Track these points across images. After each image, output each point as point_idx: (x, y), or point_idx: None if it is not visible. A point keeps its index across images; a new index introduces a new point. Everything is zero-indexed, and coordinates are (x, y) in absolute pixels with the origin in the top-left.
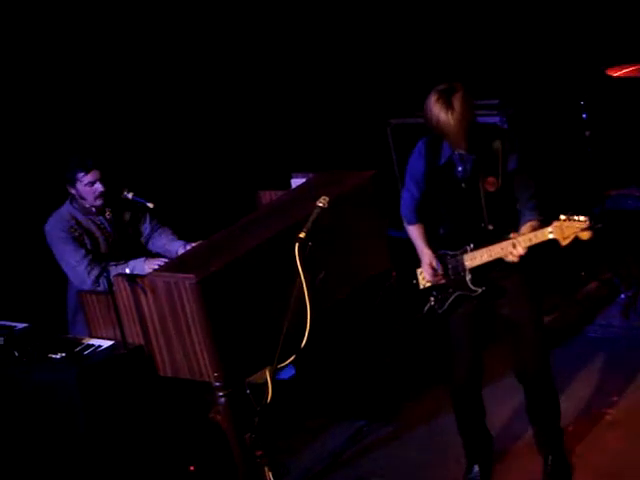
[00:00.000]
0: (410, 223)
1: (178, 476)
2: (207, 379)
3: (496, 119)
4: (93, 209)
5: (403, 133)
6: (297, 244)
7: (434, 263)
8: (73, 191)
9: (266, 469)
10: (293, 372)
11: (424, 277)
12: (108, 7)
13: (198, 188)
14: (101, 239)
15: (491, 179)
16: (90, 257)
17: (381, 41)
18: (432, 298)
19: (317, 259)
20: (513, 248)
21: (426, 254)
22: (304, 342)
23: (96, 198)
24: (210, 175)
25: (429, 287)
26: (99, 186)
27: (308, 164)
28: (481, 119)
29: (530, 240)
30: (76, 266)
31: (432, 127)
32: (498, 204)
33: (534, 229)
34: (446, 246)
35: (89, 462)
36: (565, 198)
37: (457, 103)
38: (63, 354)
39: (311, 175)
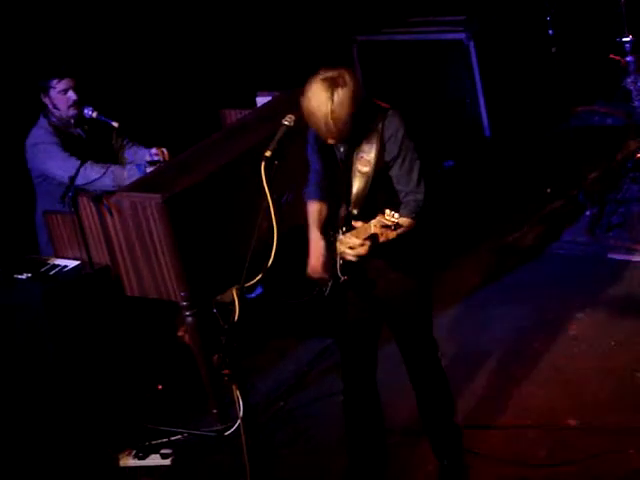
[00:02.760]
0: (310, 197)
1: (146, 395)
2: (174, 299)
3: (462, 35)
4: (71, 121)
5: (369, 50)
6: (263, 163)
7: (319, 257)
8: (47, 100)
9: (233, 387)
10: (260, 291)
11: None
12: None
13: (162, 107)
14: (77, 149)
15: (364, 165)
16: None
17: None
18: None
19: (283, 178)
20: (348, 245)
21: (312, 236)
22: (271, 261)
23: (69, 107)
24: (174, 94)
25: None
26: (72, 94)
27: (273, 82)
28: (447, 35)
29: (357, 236)
30: (67, 160)
31: (303, 114)
32: (369, 191)
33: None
34: (331, 227)
35: (57, 382)
36: (531, 115)
37: (337, 100)
38: (29, 274)
39: (276, 93)
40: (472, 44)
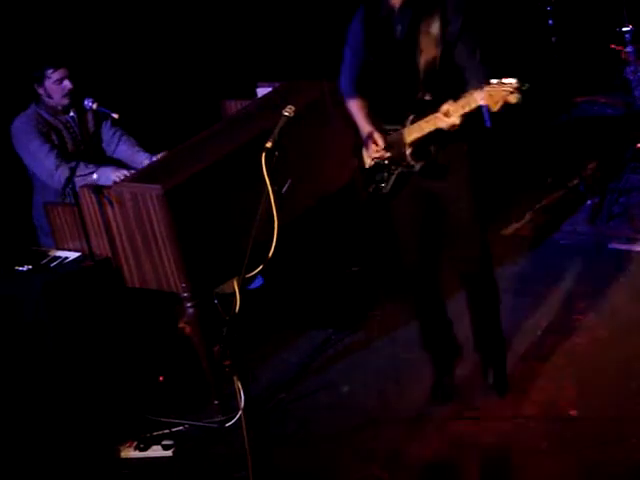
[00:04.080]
0: (349, 96)
1: (148, 387)
2: (175, 290)
3: None
4: (60, 107)
5: None
6: (263, 154)
7: (377, 138)
8: (41, 90)
9: (235, 379)
10: (261, 282)
11: (368, 155)
12: None
13: (163, 98)
14: (68, 137)
15: (429, 41)
16: (57, 151)
17: None
18: (377, 176)
19: (284, 169)
20: (446, 117)
21: (367, 130)
22: (271, 252)
23: (64, 96)
24: (174, 85)
25: (373, 166)
26: (67, 83)
27: (274, 73)
28: None
29: (462, 108)
30: (44, 159)
31: None
32: (437, 71)
33: (464, 99)
34: (386, 120)
35: (57, 375)
36: (532, 105)
37: None
38: (29, 266)
39: (277, 84)
40: None
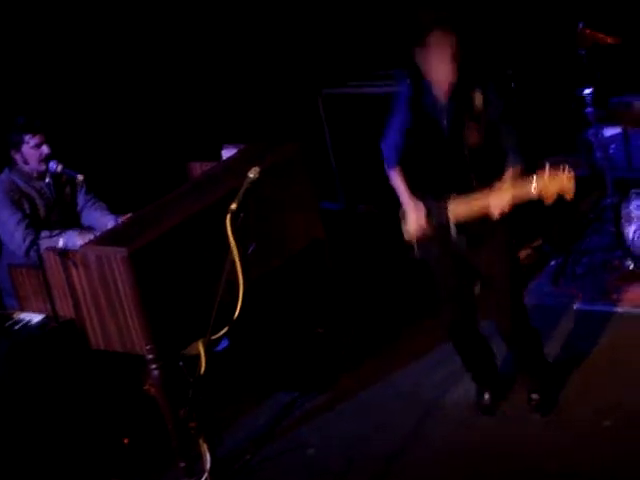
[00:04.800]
0: (394, 166)
1: (113, 449)
2: (140, 352)
3: None
4: (34, 174)
5: (334, 103)
6: (228, 215)
7: (419, 211)
8: (17, 156)
9: (200, 441)
10: (227, 344)
11: (409, 228)
12: None
13: (128, 160)
14: (40, 204)
15: (474, 127)
16: (27, 221)
17: (312, 9)
18: (415, 244)
19: (249, 230)
20: (495, 206)
21: (411, 202)
22: (237, 313)
23: (41, 161)
24: (140, 147)
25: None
26: (45, 148)
27: (239, 135)
28: None
29: (513, 199)
30: (14, 230)
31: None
32: (481, 154)
33: (517, 181)
34: (427, 194)
35: (22, 438)
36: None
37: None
38: None
39: (242, 146)
40: None
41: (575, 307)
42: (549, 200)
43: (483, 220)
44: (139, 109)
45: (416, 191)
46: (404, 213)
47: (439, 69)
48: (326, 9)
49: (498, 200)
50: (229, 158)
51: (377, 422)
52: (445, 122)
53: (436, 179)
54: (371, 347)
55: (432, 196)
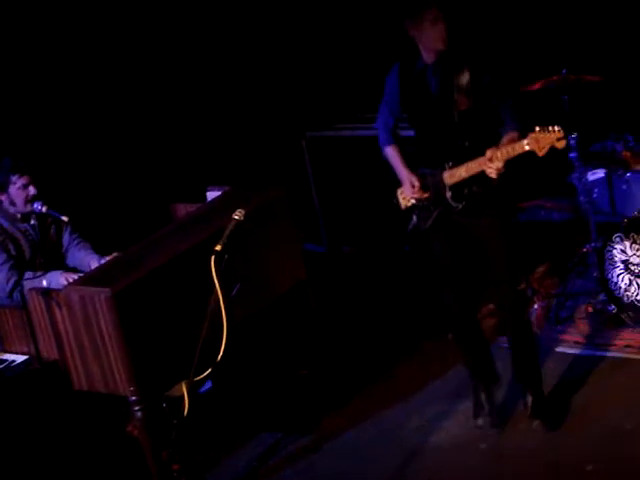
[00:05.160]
0: (386, 144)
1: None
2: (123, 393)
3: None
4: (19, 215)
5: (318, 146)
6: (213, 257)
7: (414, 180)
8: (3, 197)
9: None
10: (210, 385)
11: (405, 197)
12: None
13: (112, 201)
14: (25, 246)
15: (462, 92)
16: (12, 263)
17: (296, 53)
18: (414, 216)
19: (233, 271)
20: (490, 162)
21: (405, 172)
22: (220, 355)
23: (27, 202)
24: (124, 188)
25: (410, 207)
26: (32, 189)
27: (223, 177)
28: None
29: (508, 153)
30: None
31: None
32: (473, 120)
33: (513, 141)
34: (423, 164)
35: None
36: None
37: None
38: None
39: (226, 188)
40: None
41: (558, 350)
42: (541, 153)
43: (479, 185)
44: (125, 150)
45: (410, 163)
46: (401, 188)
47: (431, 38)
48: (311, 52)
49: (493, 160)
50: (214, 200)
51: (361, 464)
52: (433, 84)
53: (430, 147)
54: (355, 387)
55: (427, 165)
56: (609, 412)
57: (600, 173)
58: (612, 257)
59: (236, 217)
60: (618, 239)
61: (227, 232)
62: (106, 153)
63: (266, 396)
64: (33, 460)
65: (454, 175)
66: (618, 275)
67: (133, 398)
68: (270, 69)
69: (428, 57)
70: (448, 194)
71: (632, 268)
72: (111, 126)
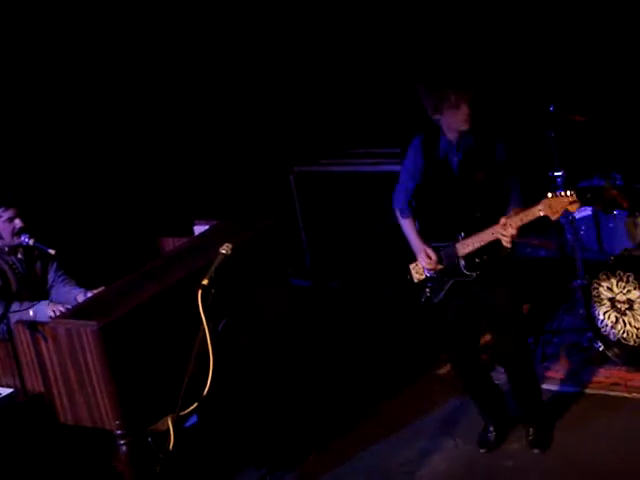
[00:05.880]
0: (404, 217)
1: None
2: (109, 427)
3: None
4: (6, 248)
5: (306, 181)
6: (200, 291)
7: (430, 252)
8: None
9: None
10: (195, 420)
11: (418, 270)
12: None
13: (100, 234)
14: (12, 278)
15: (482, 168)
16: None
17: (285, 89)
18: (427, 289)
19: (220, 306)
20: (504, 229)
21: (421, 246)
22: (206, 389)
23: (14, 235)
24: (112, 221)
25: (423, 280)
26: (18, 222)
27: (211, 211)
28: (383, 167)
29: (521, 220)
30: None
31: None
32: (486, 193)
33: (521, 212)
34: (436, 238)
35: None
36: None
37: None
38: None
39: (214, 222)
40: None
41: (544, 387)
42: (556, 216)
43: (489, 254)
44: (112, 184)
45: (425, 235)
46: (414, 262)
47: (456, 121)
48: (298, 87)
49: (507, 227)
50: (201, 234)
51: None
52: (455, 160)
53: (444, 219)
54: (341, 424)
55: (437, 239)
56: (596, 450)
57: (587, 211)
58: (599, 294)
59: (223, 251)
60: (604, 277)
61: (214, 266)
62: (94, 187)
63: (252, 431)
64: None
65: (467, 245)
66: (605, 312)
67: (118, 432)
68: (259, 103)
69: (451, 135)
70: (462, 264)
71: (618, 306)
72: (99, 160)
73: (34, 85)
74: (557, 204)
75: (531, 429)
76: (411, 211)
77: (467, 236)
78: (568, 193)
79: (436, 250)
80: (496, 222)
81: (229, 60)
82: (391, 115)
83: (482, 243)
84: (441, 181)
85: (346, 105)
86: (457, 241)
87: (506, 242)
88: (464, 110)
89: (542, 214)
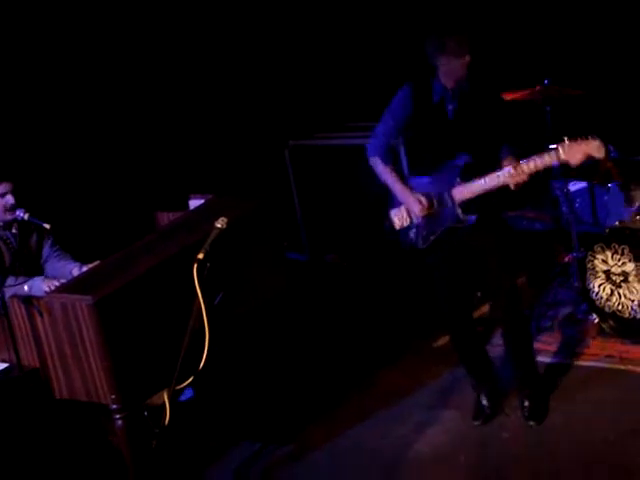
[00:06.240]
0: (383, 161)
1: None
2: (104, 401)
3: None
4: (1, 223)
5: (301, 155)
6: (195, 265)
7: (422, 198)
8: None
9: None
10: (191, 394)
11: (401, 217)
12: None
13: (95, 209)
14: (6, 253)
15: (475, 118)
16: None
17: (280, 62)
18: (411, 232)
19: (215, 280)
20: (514, 173)
21: (408, 192)
22: (202, 363)
23: (6, 211)
24: (107, 196)
25: (406, 227)
26: (10, 198)
27: (206, 186)
28: None
29: (536, 166)
30: None
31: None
32: (481, 139)
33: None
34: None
35: None
36: None
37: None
38: None
39: (209, 197)
40: (403, 150)
41: (539, 359)
42: (576, 163)
43: (485, 199)
44: (108, 158)
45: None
46: (394, 209)
47: (456, 69)
48: (294, 59)
49: (519, 173)
50: (196, 208)
51: (342, 473)
52: (450, 108)
53: (437, 164)
54: (337, 396)
55: (434, 183)
56: (591, 422)
57: (582, 183)
58: (594, 267)
59: (219, 225)
60: (599, 249)
61: (210, 240)
62: (89, 161)
63: (247, 405)
64: (13, 469)
65: (465, 191)
66: (600, 285)
67: (114, 406)
68: (253, 78)
69: (447, 82)
70: (458, 210)
71: (613, 278)
72: (94, 134)
73: (27, 67)
74: (578, 149)
75: (526, 401)
76: (392, 157)
77: (462, 183)
78: (589, 137)
79: (427, 196)
80: (492, 168)
81: (223, 35)
82: (389, 88)
83: (484, 189)
84: (435, 127)
85: (342, 78)
86: (452, 186)
87: (514, 187)
88: (466, 58)
89: (563, 158)
